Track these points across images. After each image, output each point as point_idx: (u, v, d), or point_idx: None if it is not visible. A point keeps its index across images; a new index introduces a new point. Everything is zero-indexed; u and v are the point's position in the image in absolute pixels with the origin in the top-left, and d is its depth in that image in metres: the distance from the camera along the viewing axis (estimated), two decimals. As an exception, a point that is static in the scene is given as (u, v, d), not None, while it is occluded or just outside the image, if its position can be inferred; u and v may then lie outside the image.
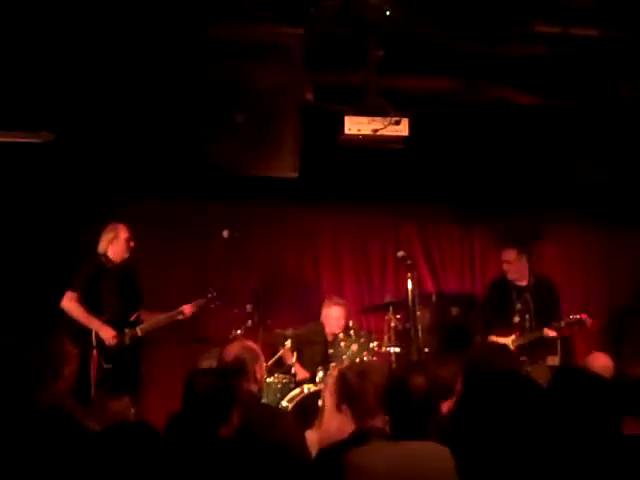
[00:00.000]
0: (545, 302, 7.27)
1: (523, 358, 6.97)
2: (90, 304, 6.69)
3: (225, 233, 7.19)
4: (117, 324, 6.73)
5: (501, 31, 5.51)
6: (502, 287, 7.50)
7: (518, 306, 7.21)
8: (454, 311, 8.29)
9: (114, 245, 6.85)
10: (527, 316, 6.95)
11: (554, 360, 7.28)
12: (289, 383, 7.26)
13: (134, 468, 2.60)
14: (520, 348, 7.07)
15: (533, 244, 7.59)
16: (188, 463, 3.15)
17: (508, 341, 7.00)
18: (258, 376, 4.61)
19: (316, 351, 7.62)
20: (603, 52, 5.78)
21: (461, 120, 6.91)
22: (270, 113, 5.76)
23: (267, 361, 7.23)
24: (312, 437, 4.63)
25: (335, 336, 7.67)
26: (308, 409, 6.45)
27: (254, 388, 4.59)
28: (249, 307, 7.31)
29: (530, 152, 7.39)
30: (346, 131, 5.91)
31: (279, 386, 7.24)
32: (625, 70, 5.56)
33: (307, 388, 7.03)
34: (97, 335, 6.64)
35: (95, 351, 6.64)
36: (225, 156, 5.84)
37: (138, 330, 6.82)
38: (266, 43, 5.56)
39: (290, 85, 5.71)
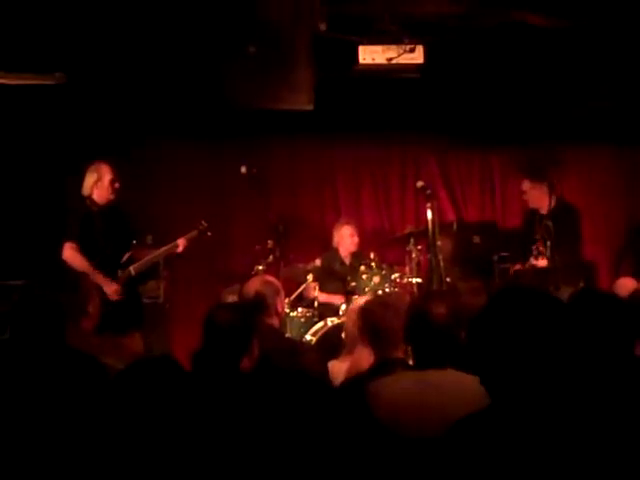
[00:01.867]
0: (565, 228, 7.23)
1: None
2: (84, 249, 6.55)
3: (243, 169, 7.19)
4: (109, 267, 6.62)
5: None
6: (529, 216, 7.50)
7: (537, 234, 7.18)
8: (475, 239, 8.27)
9: (98, 187, 6.59)
10: (548, 243, 6.90)
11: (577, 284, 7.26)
12: (312, 317, 7.32)
13: (161, 403, 2.63)
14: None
15: (550, 171, 7.49)
16: (212, 396, 3.20)
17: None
18: (279, 310, 4.65)
19: (337, 281, 7.66)
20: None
21: (477, 46, 6.77)
22: (284, 45, 5.67)
23: (290, 295, 7.32)
24: (336, 368, 4.68)
25: (352, 256, 7.79)
26: (332, 342, 6.50)
27: (275, 322, 4.64)
28: (270, 242, 7.35)
29: (546, 76, 7.25)
30: (360, 61, 5.82)
31: (302, 320, 7.30)
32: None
33: (330, 321, 7.08)
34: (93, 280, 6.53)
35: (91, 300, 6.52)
36: (239, 91, 5.77)
37: (131, 269, 6.69)
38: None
39: (303, 16, 5.62)
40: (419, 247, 7.40)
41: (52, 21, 5.85)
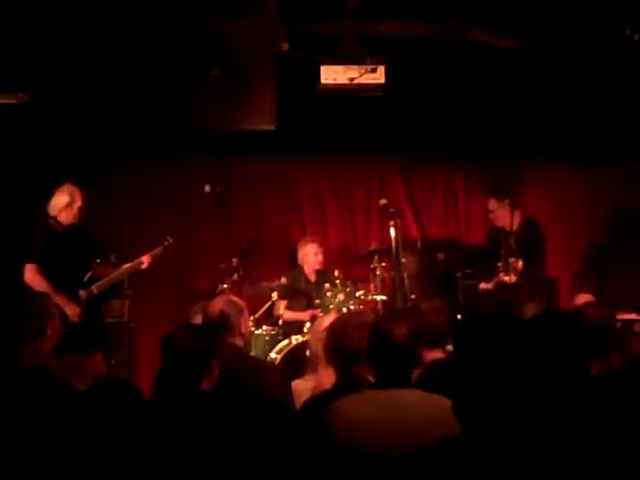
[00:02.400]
0: (531, 245, 7.31)
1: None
2: (47, 270, 6.52)
3: (207, 188, 7.17)
4: (72, 287, 6.61)
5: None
6: (493, 234, 7.60)
7: (503, 251, 7.25)
8: (439, 256, 8.32)
9: (67, 211, 6.60)
10: (511, 260, 6.97)
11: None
12: (277, 335, 7.33)
13: (122, 426, 2.62)
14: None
15: (514, 189, 7.57)
16: (172, 417, 3.20)
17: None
18: (243, 330, 4.66)
19: (302, 298, 7.66)
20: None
21: (439, 65, 6.84)
22: (246, 66, 5.68)
23: (255, 314, 7.32)
24: (300, 387, 4.69)
25: (317, 274, 7.78)
26: (297, 360, 6.49)
27: (239, 342, 4.64)
28: (235, 261, 7.34)
29: (508, 95, 7.35)
30: (322, 81, 5.85)
31: (267, 338, 7.31)
32: (602, 9, 5.50)
33: (295, 339, 7.08)
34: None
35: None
36: (202, 112, 5.78)
37: (94, 288, 6.70)
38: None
39: (265, 37, 5.64)
40: (383, 264, 7.43)
41: (14, 40, 5.82)
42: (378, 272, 7.45)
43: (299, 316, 7.56)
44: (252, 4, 5.47)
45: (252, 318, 7.21)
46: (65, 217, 6.60)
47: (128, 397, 2.55)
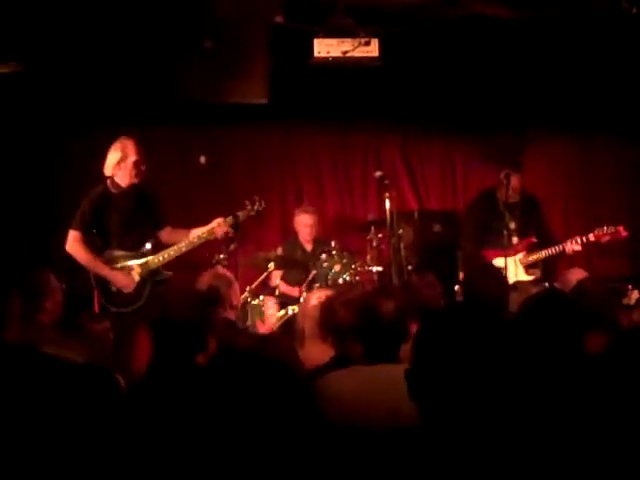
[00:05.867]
0: (534, 218, 7.28)
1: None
2: (97, 237, 5.99)
3: (202, 159, 7.06)
4: (126, 256, 6.03)
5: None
6: (492, 203, 7.39)
7: (512, 225, 7.14)
8: (436, 228, 8.32)
9: (121, 168, 5.94)
10: (515, 233, 6.96)
11: (536, 273, 7.31)
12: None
13: (108, 411, 2.62)
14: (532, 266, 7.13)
15: (517, 159, 7.52)
16: (169, 393, 3.22)
17: (513, 260, 6.94)
18: (234, 302, 4.68)
19: (299, 269, 7.65)
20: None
21: (436, 36, 6.81)
22: (239, 38, 5.66)
23: (251, 284, 7.34)
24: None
25: (314, 243, 7.78)
26: (294, 330, 6.51)
27: (231, 314, 4.67)
28: (231, 231, 7.31)
29: (504, 65, 7.31)
30: (315, 54, 5.82)
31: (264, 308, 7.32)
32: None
33: (292, 309, 7.10)
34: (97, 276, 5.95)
35: (96, 293, 6.01)
36: (195, 84, 5.76)
37: (152, 260, 6.06)
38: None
39: (259, 9, 5.61)
40: (380, 235, 7.43)
41: (5, 12, 5.80)
42: (374, 243, 7.46)
43: (290, 291, 7.57)
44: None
45: (248, 288, 7.24)
46: (122, 176, 5.95)
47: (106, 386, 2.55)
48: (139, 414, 3.02)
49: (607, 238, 6.91)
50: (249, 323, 7.10)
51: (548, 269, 7.38)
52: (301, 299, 7.20)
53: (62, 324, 5.75)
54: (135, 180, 5.98)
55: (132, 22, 5.81)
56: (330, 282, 7.17)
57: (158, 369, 3.51)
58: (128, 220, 6.03)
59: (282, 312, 7.14)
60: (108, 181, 6.01)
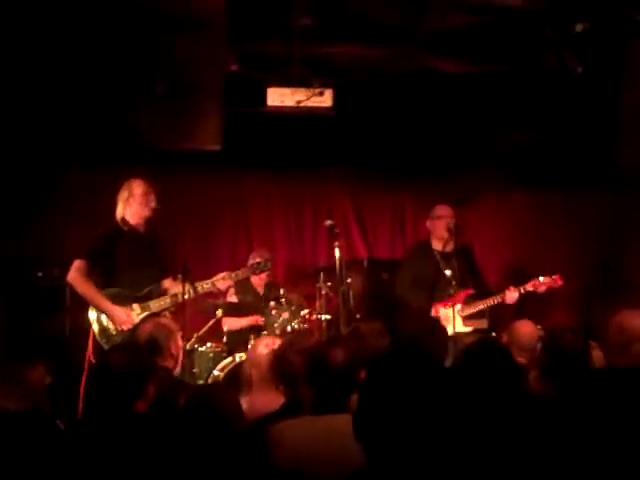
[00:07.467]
0: (468, 268, 7.28)
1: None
2: (102, 272, 5.97)
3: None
4: (128, 295, 6.02)
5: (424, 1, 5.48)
6: (426, 252, 7.38)
7: (448, 273, 7.06)
8: (385, 276, 8.34)
9: (130, 204, 6.05)
10: (453, 283, 6.92)
11: (482, 323, 7.32)
12: (221, 352, 7.30)
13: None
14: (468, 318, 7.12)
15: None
16: (105, 439, 3.20)
17: (450, 312, 6.80)
18: (174, 352, 4.66)
19: (247, 315, 7.60)
20: (527, 22, 5.81)
21: (388, 87, 6.90)
22: (192, 85, 5.66)
23: (198, 331, 7.29)
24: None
25: (265, 287, 7.76)
26: (240, 377, 6.47)
27: (170, 364, 4.64)
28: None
29: (455, 119, 7.43)
30: (269, 103, 5.86)
31: (211, 355, 7.28)
32: (548, 40, 5.60)
33: (239, 357, 7.05)
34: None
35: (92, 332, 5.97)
36: (146, 129, 5.74)
37: (153, 304, 6.06)
38: (189, 13, 5.44)
39: (213, 56, 5.63)
40: (329, 284, 7.44)
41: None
42: (323, 291, 7.46)
43: (239, 322, 7.51)
44: (200, 22, 5.45)
45: (195, 335, 7.19)
46: (131, 213, 6.06)
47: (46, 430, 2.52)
48: (76, 458, 3.02)
49: (543, 288, 6.97)
50: (195, 370, 7.05)
51: (496, 320, 7.42)
52: (249, 345, 7.18)
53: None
54: (146, 213, 6.10)
55: (83, 65, 5.77)
56: (278, 330, 7.15)
57: (96, 415, 3.52)
58: (136, 258, 6.06)
59: (229, 359, 7.09)
60: (120, 221, 6.10)
